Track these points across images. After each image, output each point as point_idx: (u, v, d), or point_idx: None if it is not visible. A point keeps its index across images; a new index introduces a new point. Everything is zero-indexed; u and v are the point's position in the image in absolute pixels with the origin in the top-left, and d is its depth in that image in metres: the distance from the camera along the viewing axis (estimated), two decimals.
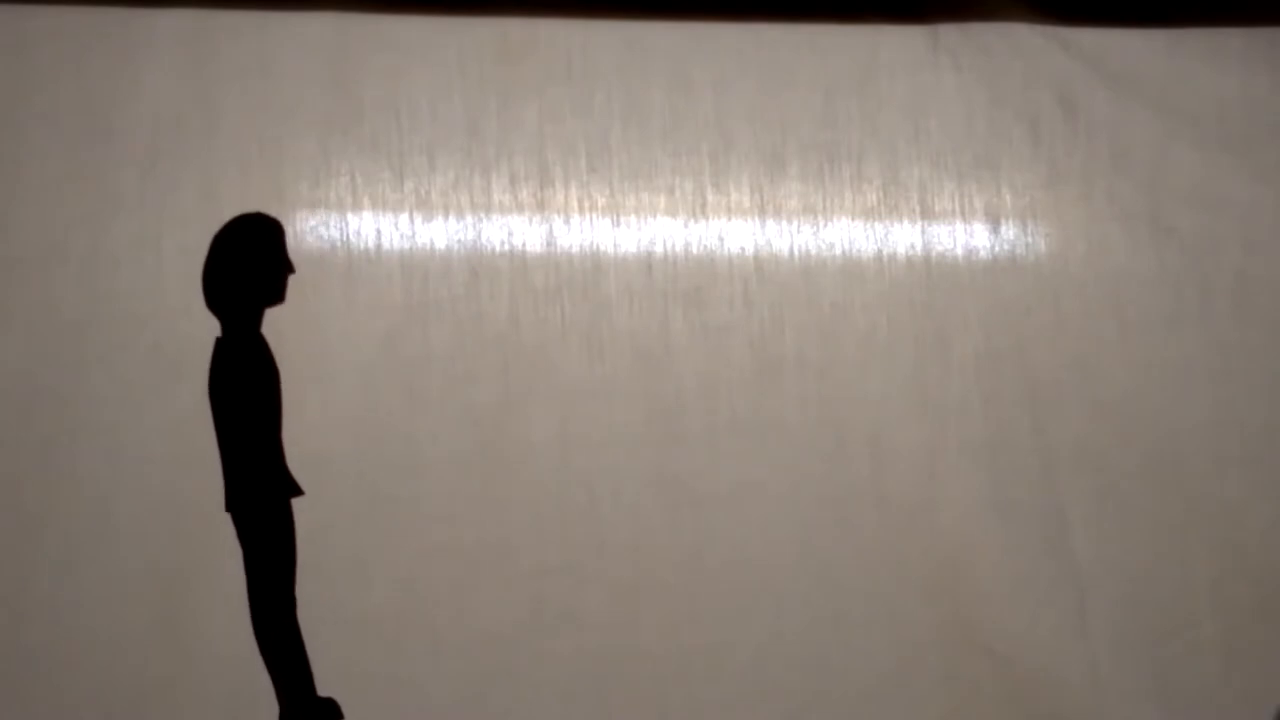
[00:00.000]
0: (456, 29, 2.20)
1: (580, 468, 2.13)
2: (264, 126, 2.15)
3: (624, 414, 2.15)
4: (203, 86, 2.14)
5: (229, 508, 2.04)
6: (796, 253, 2.21)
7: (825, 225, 2.22)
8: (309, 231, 2.14)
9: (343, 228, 2.14)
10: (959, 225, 2.24)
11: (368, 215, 2.15)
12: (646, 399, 2.15)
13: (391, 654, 2.08)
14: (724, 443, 2.16)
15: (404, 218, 2.15)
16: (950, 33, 2.28)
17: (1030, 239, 2.25)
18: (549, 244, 2.17)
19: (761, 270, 2.20)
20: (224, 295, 2.09)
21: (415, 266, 2.14)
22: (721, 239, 2.20)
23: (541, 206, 2.18)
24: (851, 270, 2.22)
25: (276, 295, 2.11)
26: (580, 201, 2.18)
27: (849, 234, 2.22)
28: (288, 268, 2.11)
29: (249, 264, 2.11)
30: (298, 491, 2.05)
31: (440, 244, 2.15)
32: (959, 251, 2.24)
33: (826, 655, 2.15)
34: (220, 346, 2.07)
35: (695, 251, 2.19)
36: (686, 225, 2.20)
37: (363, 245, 2.14)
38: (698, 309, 2.18)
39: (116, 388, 2.06)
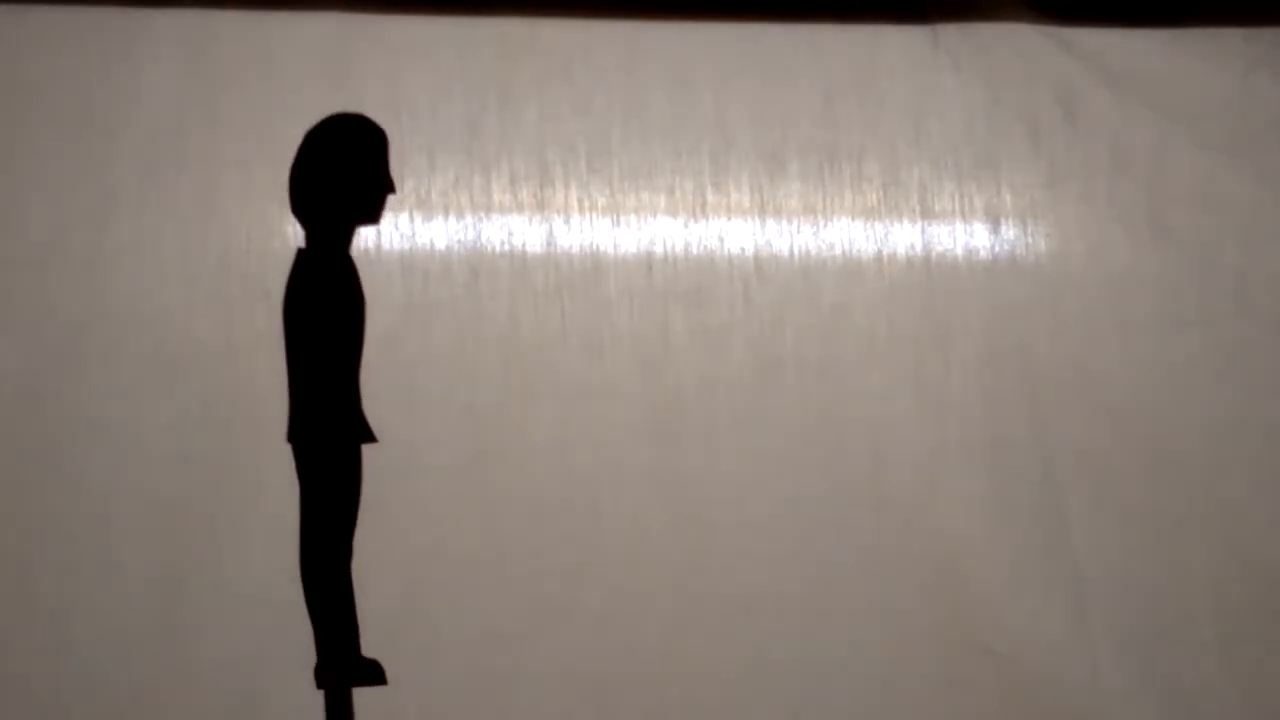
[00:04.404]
0: (456, 29, 2.20)
1: (580, 468, 2.13)
2: (264, 126, 2.14)
3: (624, 414, 2.15)
4: (203, 86, 2.14)
5: (290, 438, 1.93)
6: (796, 253, 2.21)
7: (825, 225, 2.22)
8: None
9: None
10: (959, 225, 2.24)
11: None
12: (646, 399, 2.15)
13: (391, 654, 2.08)
14: (724, 442, 2.16)
15: (404, 218, 2.15)
16: (950, 33, 2.28)
17: (1030, 239, 2.25)
18: (549, 244, 2.17)
19: (761, 270, 2.20)
20: (313, 199, 1.95)
21: (415, 266, 2.14)
22: (721, 239, 2.20)
23: (541, 206, 2.18)
24: (851, 270, 2.22)
25: (372, 213, 1.98)
26: (580, 201, 2.18)
27: (849, 234, 2.22)
28: (388, 185, 1.97)
29: (347, 168, 1.97)
30: (370, 437, 1.93)
31: (440, 244, 2.15)
32: (959, 251, 2.24)
33: (826, 655, 2.15)
34: (302, 259, 1.93)
35: (695, 251, 2.20)
36: (686, 225, 2.20)
37: (363, 245, 2.14)
38: (698, 309, 2.18)
39: (116, 388, 2.06)
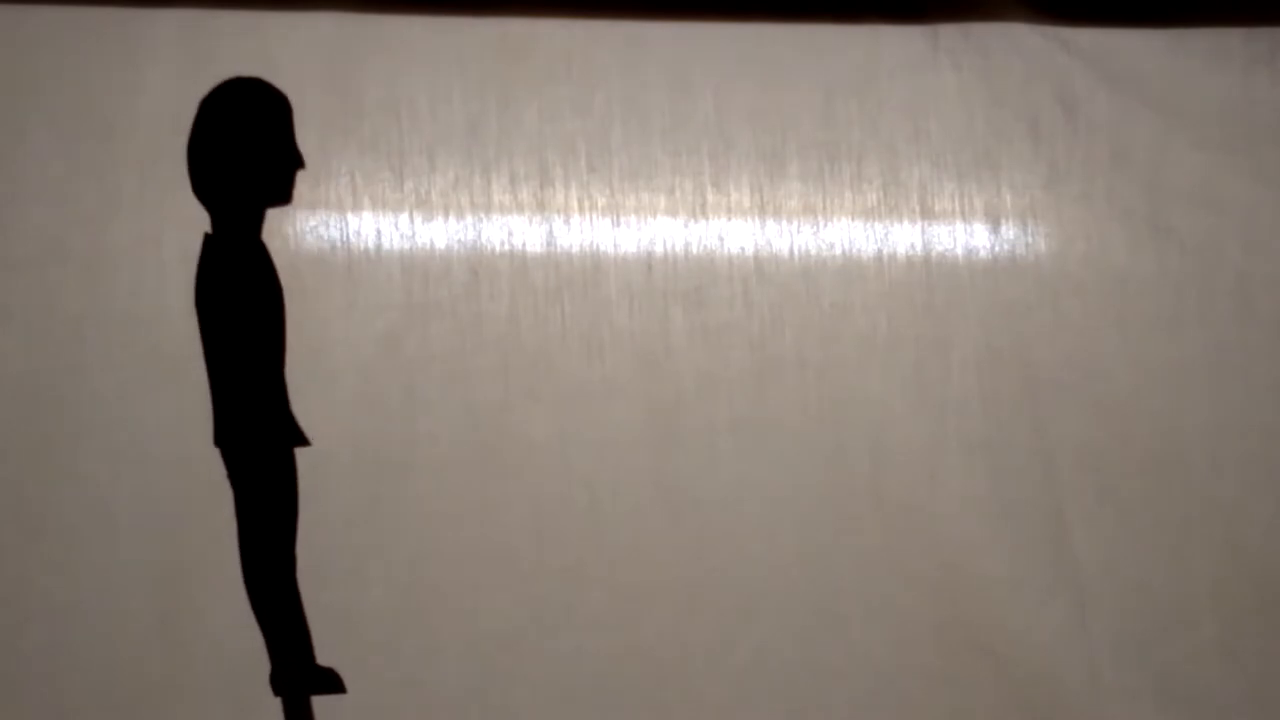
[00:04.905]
0: (456, 29, 2.20)
1: (580, 468, 2.13)
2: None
3: (624, 414, 2.15)
4: (203, 86, 2.14)
5: (218, 442, 1.79)
6: (796, 253, 2.21)
7: (825, 225, 2.22)
8: (309, 231, 2.14)
9: (343, 228, 2.14)
10: (959, 225, 2.24)
11: (368, 215, 2.15)
12: (646, 399, 2.15)
13: (391, 654, 2.08)
14: (724, 443, 2.16)
15: (404, 218, 2.15)
16: (950, 33, 2.28)
17: (1030, 239, 2.25)
18: (549, 244, 2.17)
19: (761, 270, 2.20)
20: (214, 176, 1.75)
21: (415, 266, 2.14)
22: (721, 239, 2.20)
23: (541, 206, 2.18)
24: (851, 270, 2.22)
25: (282, 192, 1.80)
26: (580, 201, 2.18)
27: (849, 234, 2.22)
28: (297, 158, 1.78)
29: (248, 140, 1.77)
30: (301, 440, 1.80)
31: (440, 244, 2.15)
32: (959, 251, 2.24)
33: (826, 655, 2.15)
34: (210, 245, 1.75)
35: (695, 251, 2.20)
36: (686, 225, 2.20)
37: (363, 245, 2.14)
38: (698, 309, 2.18)
39: (116, 388, 2.06)
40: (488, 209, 2.17)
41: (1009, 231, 2.25)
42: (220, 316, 1.74)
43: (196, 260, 2.08)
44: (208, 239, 1.74)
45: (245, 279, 1.73)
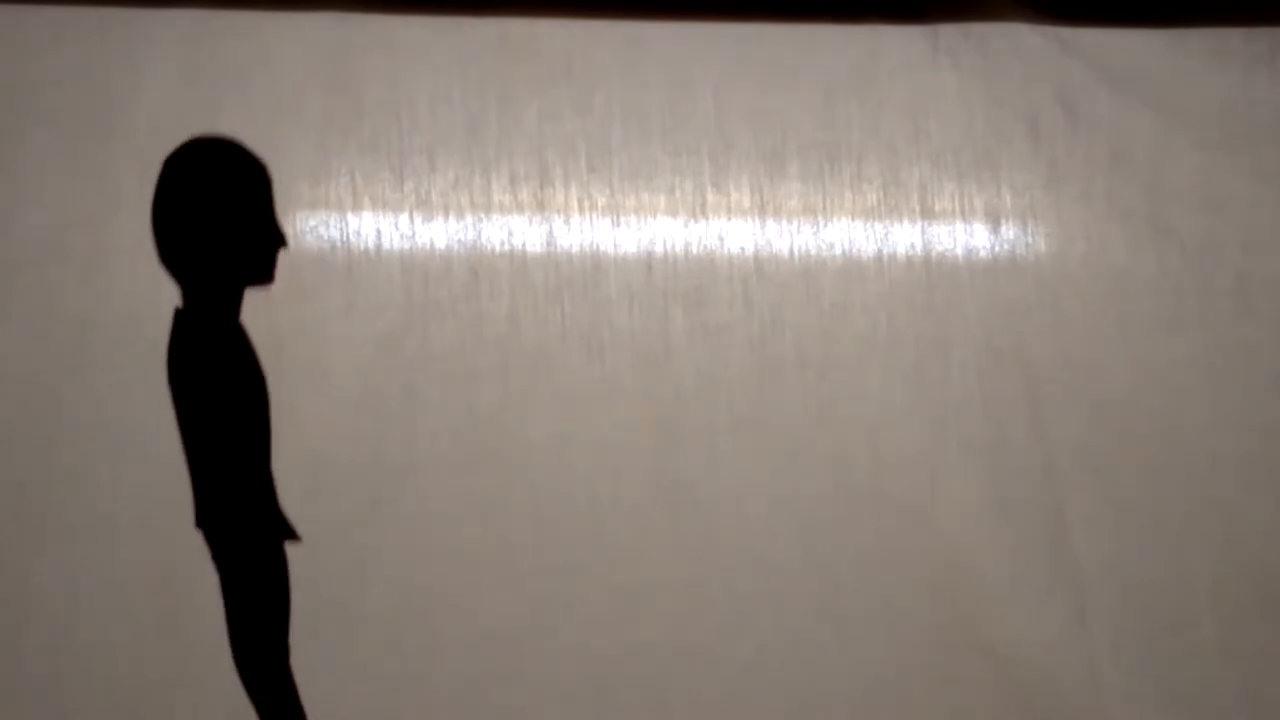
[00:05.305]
0: (456, 29, 2.20)
1: (580, 468, 2.13)
2: (264, 126, 2.14)
3: (624, 414, 2.15)
4: (203, 86, 2.14)
5: (199, 523, 1.55)
6: (796, 253, 2.21)
7: (825, 225, 2.22)
8: (309, 231, 2.14)
9: (343, 228, 2.14)
10: (959, 225, 2.24)
11: (368, 215, 2.15)
12: (646, 399, 2.15)
13: (391, 654, 2.08)
14: (724, 442, 2.16)
15: (404, 218, 2.15)
16: (950, 33, 2.28)
17: (1030, 239, 2.25)
18: (549, 244, 2.17)
19: (761, 270, 2.20)
20: (185, 249, 1.47)
21: (415, 266, 2.14)
22: (721, 239, 2.20)
23: (541, 206, 2.18)
24: (851, 270, 2.22)
25: (262, 272, 1.52)
26: (580, 201, 2.18)
27: (849, 234, 2.22)
28: (279, 238, 1.52)
29: (225, 214, 1.48)
30: (291, 534, 1.57)
31: (440, 244, 2.15)
32: (959, 251, 2.24)
33: (826, 655, 2.15)
34: (182, 323, 1.51)
35: (695, 251, 2.19)
36: (686, 225, 2.20)
37: (363, 245, 2.14)
38: (698, 309, 2.18)
39: (116, 388, 2.06)
40: (488, 209, 2.17)
41: (1009, 231, 2.25)
42: (197, 401, 1.51)
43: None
44: (179, 315, 1.52)
45: (223, 365, 1.50)
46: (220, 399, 1.52)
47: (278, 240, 1.54)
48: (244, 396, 1.53)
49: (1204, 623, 2.20)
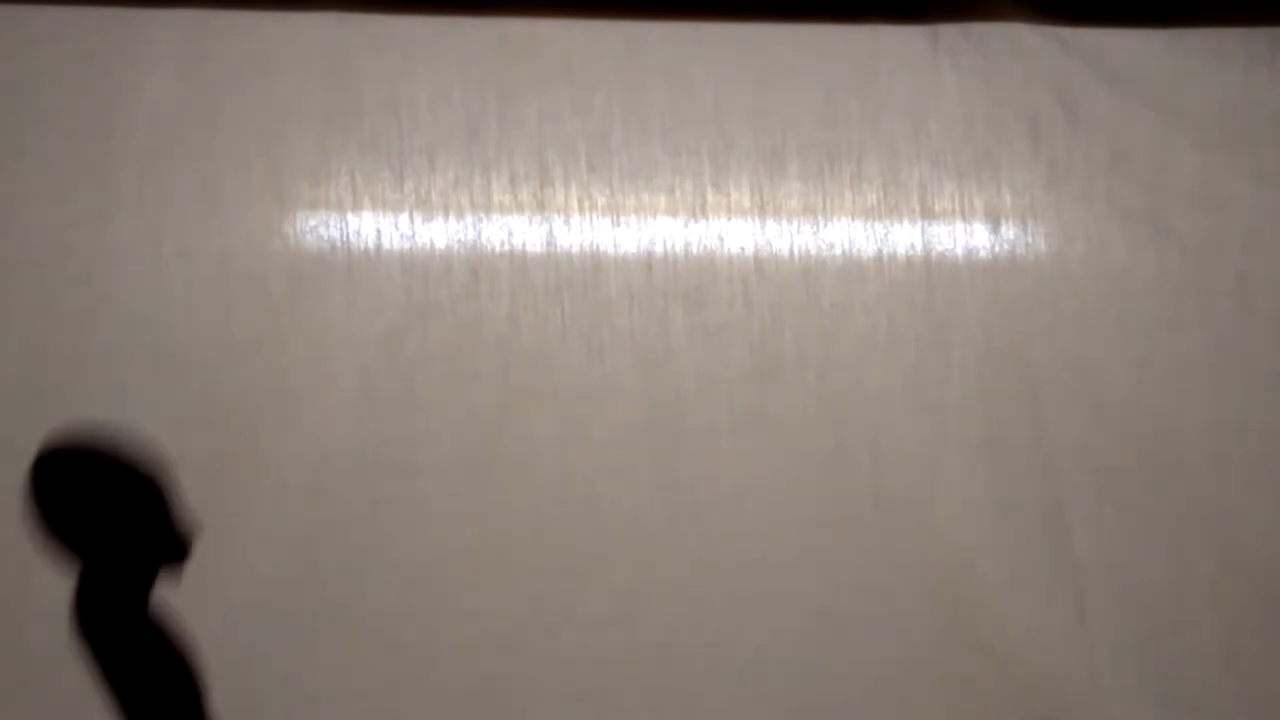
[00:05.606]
0: (456, 29, 2.20)
1: (580, 468, 2.13)
2: (264, 126, 2.14)
3: (624, 414, 2.15)
4: (203, 86, 2.14)
5: None
6: (796, 253, 2.21)
7: (825, 225, 2.22)
8: (309, 231, 2.14)
9: (343, 228, 2.14)
10: (959, 225, 2.24)
11: (368, 215, 2.15)
12: (646, 399, 2.15)
13: (391, 654, 2.08)
14: (724, 443, 2.16)
15: (404, 218, 2.15)
16: (950, 33, 2.28)
17: (1030, 239, 2.25)
18: (549, 244, 2.17)
19: (761, 270, 2.20)
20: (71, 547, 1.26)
21: (415, 266, 2.14)
22: (721, 239, 2.20)
23: (541, 206, 2.18)
24: (851, 270, 2.22)
25: (177, 550, 1.30)
26: (580, 201, 2.18)
27: (849, 234, 2.22)
28: (185, 543, 1.31)
29: (115, 519, 1.31)
30: None
31: (440, 244, 2.15)
32: (959, 251, 2.24)
33: (826, 655, 2.15)
34: (87, 583, 1.27)
35: (695, 251, 2.20)
36: (686, 225, 2.20)
37: (363, 245, 2.14)
38: (698, 309, 2.18)
39: (116, 388, 2.06)
40: (488, 209, 2.17)
41: (1009, 231, 2.25)
42: (116, 666, 1.28)
43: (196, 260, 2.09)
44: (84, 576, 1.27)
45: (144, 642, 1.27)
46: (146, 673, 1.30)
47: (186, 546, 1.27)
48: (174, 675, 1.29)
49: (1204, 623, 2.20)
